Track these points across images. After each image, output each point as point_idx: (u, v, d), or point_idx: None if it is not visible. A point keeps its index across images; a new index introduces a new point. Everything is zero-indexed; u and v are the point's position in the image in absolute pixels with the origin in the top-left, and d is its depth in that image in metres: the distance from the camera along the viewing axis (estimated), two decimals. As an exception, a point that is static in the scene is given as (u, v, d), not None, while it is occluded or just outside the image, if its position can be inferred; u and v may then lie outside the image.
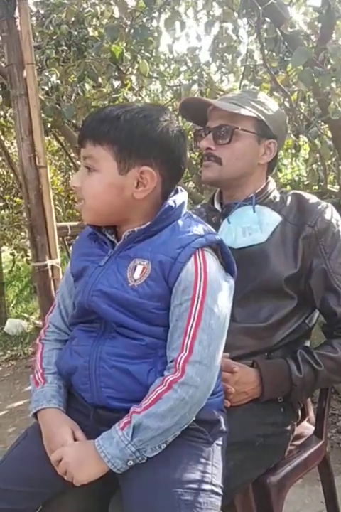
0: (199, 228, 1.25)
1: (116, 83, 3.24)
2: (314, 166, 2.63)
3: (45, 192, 2.55)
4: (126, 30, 2.87)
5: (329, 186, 2.67)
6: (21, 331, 5.59)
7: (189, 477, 1.18)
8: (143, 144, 1.22)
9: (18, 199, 6.85)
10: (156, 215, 1.25)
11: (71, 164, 6.14)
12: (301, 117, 2.65)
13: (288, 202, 1.68)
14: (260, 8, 1.93)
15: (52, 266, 2.60)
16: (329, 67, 2.04)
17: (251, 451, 1.52)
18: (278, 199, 1.70)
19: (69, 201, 7.25)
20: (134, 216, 1.27)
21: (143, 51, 3.04)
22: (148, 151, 1.23)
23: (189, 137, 3.16)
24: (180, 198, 1.29)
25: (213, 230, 1.29)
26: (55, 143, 5.96)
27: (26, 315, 6.21)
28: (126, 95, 3.10)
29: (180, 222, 1.26)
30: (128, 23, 2.97)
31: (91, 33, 3.44)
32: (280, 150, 1.97)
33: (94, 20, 3.52)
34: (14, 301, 6.87)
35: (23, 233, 7.17)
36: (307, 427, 1.81)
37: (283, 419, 1.63)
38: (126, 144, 1.21)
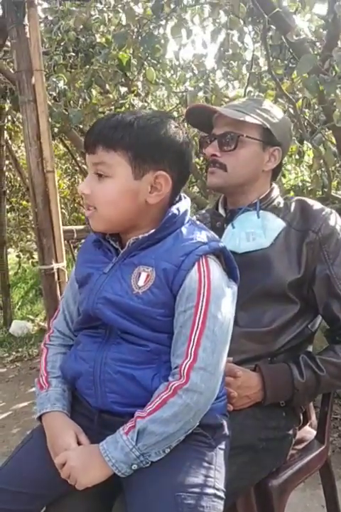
0: (203, 235, 1.26)
1: (123, 89, 3.26)
2: (318, 171, 2.65)
3: (52, 196, 2.57)
4: (134, 37, 2.89)
5: (333, 192, 2.68)
6: (26, 332, 5.60)
7: (192, 481, 1.19)
8: (158, 149, 1.24)
9: (24, 202, 6.89)
10: (160, 222, 1.26)
11: (77, 168, 6.17)
12: (305, 123, 2.67)
13: (292, 208, 1.69)
14: (266, 16, 1.95)
15: (58, 269, 2.62)
16: (334, 74, 2.06)
17: (253, 455, 1.53)
18: (282, 205, 1.71)
19: (75, 205, 7.28)
20: (143, 222, 1.28)
21: (150, 58, 3.06)
22: (163, 155, 1.25)
23: (194, 143, 3.19)
24: (183, 205, 1.30)
25: (216, 237, 1.31)
26: (61, 147, 5.99)
27: (31, 317, 6.22)
28: (132, 101, 3.12)
29: (183, 229, 1.27)
30: (136, 30, 2.99)
31: (98, 40, 3.46)
32: (286, 154, 1.99)
33: (102, 26, 3.55)
34: (19, 303, 6.89)
35: (28, 236, 7.21)
36: (309, 432, 1.81)
37: (285, 423, 1.64)
38: (142, 149, 1.23)
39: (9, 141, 5.90)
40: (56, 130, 3.38)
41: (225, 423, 1.32)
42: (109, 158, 1.22)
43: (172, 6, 2.48)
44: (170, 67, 3.82)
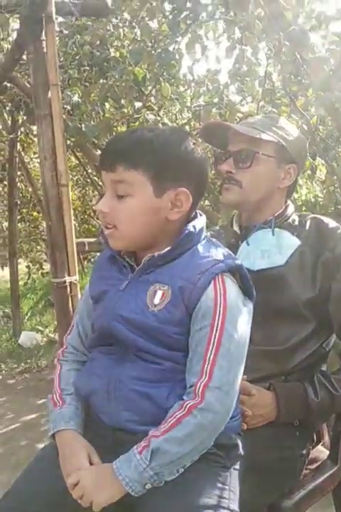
0: (219, 253, 1.26)
1: (138, 104, 3.27)
2: (330, 187, 2.64)
3: (66, 210, 2.58)
4: (149, 52, 2.90)
5: (346, 208, 2.68)
6: (35, 343, 5.60)
7: (206, 502, 1.18)
8: (179, 166, 1.24)
9: (35, 213, 6.92)
10: (176, 239, 1.26)
11: (88, 180, 6.19)
12: (319, 139, 2.66)
13: (307, 226, 1.69)
14: (281, 33, 1.96)
15: (70, 283, 2.63)
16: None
17: (266, 475, 1.52)
18: (296, 223, 1.71)
19: (86, 216, 7.30)
20: (162, 239, 1.27)
21: (165, 74, 3.07)
22: (183, 172, 1.25)
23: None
24: (199, 222, 1.30)
25: (232, 255, 1.30)
26: (72, 159, 6.02)
27: (41, 328, 6.22)
28: (146, 116, 3.14)
29: (199, 247, 1.27)
30: (150, 44, 3.01)
31: (112, 54, 3.49)
32: (302, 172, 1.99)
33: (116, 41, 3.58)
34: (29, 314, 6.90)
35: (38, 247, 7.24)
36: (322, 451, 1.79)
37: (299, 442, 1.63)
38: (162, 166, 1.23)
39: (22, 153, 5.94)
40: (70, 143, 3.40)
41: (239, 443, 1.31)
42: (130, 177, 1.22)
43: (188, 22, 2.49)
44: (184, 82, 3.84)
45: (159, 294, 1.23)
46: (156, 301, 1.23)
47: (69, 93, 3.17)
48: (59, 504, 1.28)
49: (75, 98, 3.14)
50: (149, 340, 1.23)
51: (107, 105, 3.48)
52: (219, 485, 1.23)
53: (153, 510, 1.19)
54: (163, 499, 1.18)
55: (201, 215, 1.34)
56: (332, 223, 1.69)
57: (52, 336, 5.69)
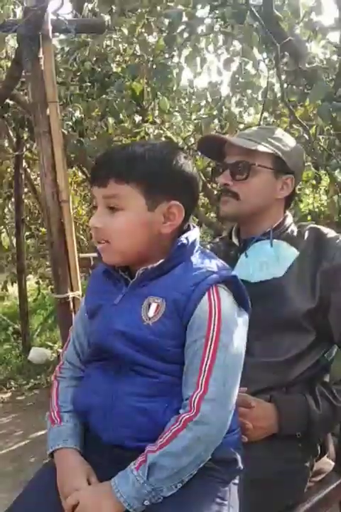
0: (213, 264, 1.26)
1: (138, 118, 3.29)
2: (334, 197, 2.63)
3: (67, 226, 2.59)
4: (149, 66, 2.93)
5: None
6: (45, 359, 5.59)
7: None
8: (171, 179, 1.25)
9: (43, 229, 6.93)
10: (169, 252, 1.26)
11: (95, 195, 6.20)
12: (320, 149, 2.66)
13: (306, 236, 1.68)
14: (278, 45, 1.96)
15: (73, 298, 2.63)
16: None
17: (269, 489, 1.51)
18: (295, 233, 1.71)
19: (94, 231, 7.30)
20: (155, 252, 1.27)
21: (163, 89, 3.09)
22: (175, 185, 1.26)
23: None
24: (192, 234, 1.30)
25: (227, 265, 1.30)
26: (79, 174, 6.04)
27: (50, 343, 6.23)
28: (147, 130, 3.15)
29: (193, 258, 1.27)
30: (150, 60, 3.03)
31: (114, 69, 3.52)
32: (300, 182, 1.99)
33: (117, 56, 3.60)
34: (38, 330, 6.91)
35: (47, 262, 7.25)
36: (327, 463, 1.77)
37: (302, 455, 1.61)
38: (155, 180, 1.23)
39: (28, 170, 5.98)
40: (72, 158, 3.42)
41: (239, 457, 1.29)
42: (122, 191, 1.22)
43: (185, 35, 2.51)
44: (185, 95, 3.86)
45: (153, 306, 1.23)
46: (151, 314, 1.23)
47: (71, 109, 3.19)
48: None
49: (77, 114, 3.17)
50: (145, 354, 1.23)
51: (110, 120, 3.50)
52: (218, 500, 1.22)
53: None
54: None
55: (194, 227, 1.34)
56: (330, 233, 1.69)
57: (61, 351, 5.68)
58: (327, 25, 2.43)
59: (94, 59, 3.31)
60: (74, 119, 3.28)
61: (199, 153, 2.96)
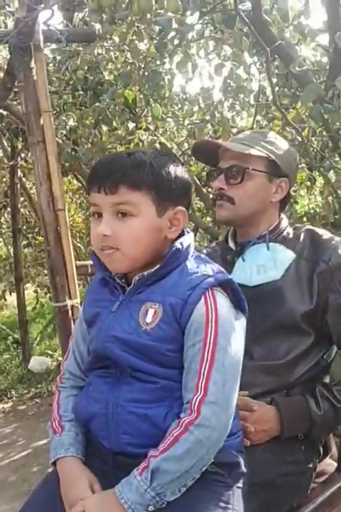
0: (208, 268, 1.27)
1: (131, 125, 3.30)
2: (329, 198, 2.64)
3: (63, 234, 2.60)
4: (140, 74, 2.94)
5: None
6: (45, 368, 5.59)
7: None
8: (176, 186, 1.27)
9: (40, 238, 6.94)
10: (164, 257, 1.27)
11: (91, 202, 6.20)
12: (314, 151, 2.67)
13: (302, 238, 1.69)
14: (268, 49, 1.97)
15: (72, 306, 2.64)
16: (339, 103, 2.06)
17: (273, 491, 1.51)
18: (291, 236, 1.71)
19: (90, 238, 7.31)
20: (157, 258, 1.28)
21: (155, 95, 3.10)
22: (179, 192, 1.29)
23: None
24: (187, 239, 1.31)
25: (222, 269, 1.31)
26: (75, 182, 6.05)
27: (50, 352, 6.22)
28: (141, 137, 3.17)
29: (188, 263, 1.28)
30: (141, 67, 3.04)
31: (106, 77, 3.53)
32: (294, 184, 2.00)
33: (109, 64, 3.61)
34: (38, 339, 6.90)
35: (46, 271, 7.24)
36: (330, 464, 1.77)
37: (305, 456, 1.61)
38: (164, 186, 1.25)
39: (23, 179, 5.98)
40: (67, 167, 3.43)
41: (242, 460, 1.30)
42: (134, 198, 1.23)
43: (176, 41, 2.52)
44: (178, 101, 3.88)
45: (151, 312, 1.24)
46: (148, 319, 1.24)
47: (64, 118, 3.20)
48: None
49: (71, 123, 3.18)
50: (144, 360, 1.24)
51: (104, 128, 3.50)
52: (222, 504, 1.22)
53: None
54: None
55: (188, 232, 1.35)
56: (326, 234, 1.69)
57: (62, 359, 5.67)
58: (316, 28, 2.45)
59: (86, 67, 3.32)
60: (67, 127, 3.29)
61: (194, 159, 2.97)
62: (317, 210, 3.16)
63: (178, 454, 1.15)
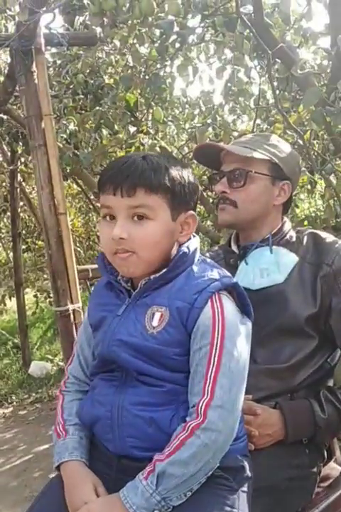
0: (214, 272, 1.27)
1: (132, 129, 3.30)
2: (331, 201, 2.64)
3: (65, 238, 2.60)
4: (141, 77, 2.94)
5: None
6: (45, 373, 5.59)
7: None
8: (190, 191, 1.29)
9: (40, 242, 6.94)
10: (171, 261, 1.27)
11: (91, 206, 6.22)
12: (315, 154, 2.67)
13: (305, 242, 1.69)
14: (269, 52, 1.97)
15: (73, 310, 2.63)
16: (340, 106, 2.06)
17: (278, 496, 1.50)
18: (294, 239, 1.71)
19: (90, 242, 7.32)
20: (165, 262, 1.28)
21: (157, 99, 3.11)
22: (192, 196, 1.30)
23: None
24: (193, 244, 1.32)
25: (228, 273, 1.31)
26: (74, 186, 6.05)
27: (50, 357, 6.21)
28: (142, 140, 3.17)
29: (194, 267, 1.28)
30: (143, 70, 3.04)
31: (107, 81, 3.53)
32: (296, 188, 1.99)
33: (110, 68, 3.62)
34: (38, 343, 6.90)
35: (45, 276, 7.25)
36: (334, 468, 1.76)
37: (309, 460, 1.60)
38: (179, 191, 1.26)
39: (23, 183, 5.99)
40: (68, 171, 3.43)
41: (247, 464, 1.29)
42: (151, 201, 1.22)
43: (177, 45, 2.52)
44: (179, 105, 3.88)
45: (157, 315, 1.24)
46: (155, 323, 1.24)
47: (65, 122, 3.20)
48: None
49: (71, 127, 3.18)
50: (150, 363, 1.23)
51: (104, 132, 3.50)
52: (228, 508, 1.21)
53: None
54: None
55: (194, 236, 1.35)
56: (329, 237, 1.69)
57: (63, 364, 5.67)
58: (318, 31, 2.45)
59: (87, 71, 3.32)
60: (68, 131, 3.29)
61: (195, 162, 2.97)
62: (318, 213, 3.15)
63: (184, 457, 1.14)
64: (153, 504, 1.14)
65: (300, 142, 2.43)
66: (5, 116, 3.88)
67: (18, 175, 5.60)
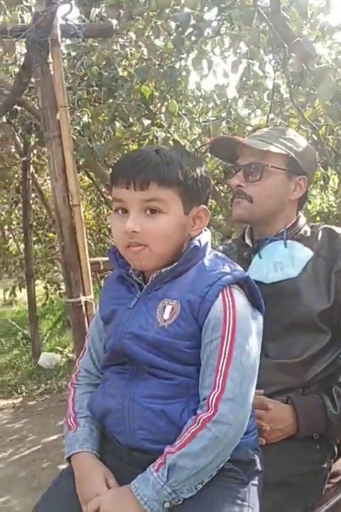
0: (226, 266, 1.27)
1: (147, 122, 3.30)
2: (344, 197, 2.63)
3: (78, 230, 2.60)
4: (156, 70, 2.94)
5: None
6: (55, 364, 5.61)
7: None
8: (202, 185, 1.29)
9: (50, 234, 6.97)
10: (182, 255, 1.27)
11: (102, 199, 6.23)
12: (329, 149, 2.65)
13: (319, 236, 1.68)
14: (286, 45, 1.96)
15: (85, 302, 2.63)
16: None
17: (288, 491, 1.50)
18: (309, 234, 1.70)
19: (101, 235, 7.34)
20: (177, 255, 1.28)
21: (172, 92, 3.10)
22: (204, 190, 1.31)
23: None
24: (204, 237, 1.32)
25: (239, 267, 1.31)
26: (86, 178, 6.06)
27: (60, 348, 6.24)
28: (155, 133, 3.16)
29: (205, 261, 1.28)
30: (157, 63, 3.04)
31: (120, 73, 3.53)
32: (310, 185, 1.98)
33: (124, 61, 3.62)
34: (48, 335, 6.93)
35: (55, 267, 7.28)
36: (344, 464, 1.77)
37: (320, 456, 1.60)
38: (192, 185, 1.26)
39: (35, 175, 6.00)
40: (81, 163, 3.43)
41: (257, 458, 1.30)
42: (164, 195, 1.23)
43: (193, 38, 2.51)
44: (193, 98, 3.88)
45: (168, 308, 1.24)
46: (166, 316, 1.24)
47: (79, 114, 3.21)
48: None
49: (85, 119, 3.18)
50: (161, 356, 1.24)
51: (117, 124, 3.51)
52: (238, 502, 1.22)
53: None
54: None
55: (205, 230, 1.35)
56: (344, 232, 1.68)
57: (72, 355, 5.70)
58: (334, 25, 2.43)
59: (103, 63, 3.32)
60: (81, 123, 3.29)
61: (209, 156, 2.96)
62: (331, 209, 3.14)
63: (195, 450, 1.14)
64: (164, 496, 1.14)
65: (314, 137, 2.42)
66: (19, 108, 3.89)
67: (31, 166, 5.62)
